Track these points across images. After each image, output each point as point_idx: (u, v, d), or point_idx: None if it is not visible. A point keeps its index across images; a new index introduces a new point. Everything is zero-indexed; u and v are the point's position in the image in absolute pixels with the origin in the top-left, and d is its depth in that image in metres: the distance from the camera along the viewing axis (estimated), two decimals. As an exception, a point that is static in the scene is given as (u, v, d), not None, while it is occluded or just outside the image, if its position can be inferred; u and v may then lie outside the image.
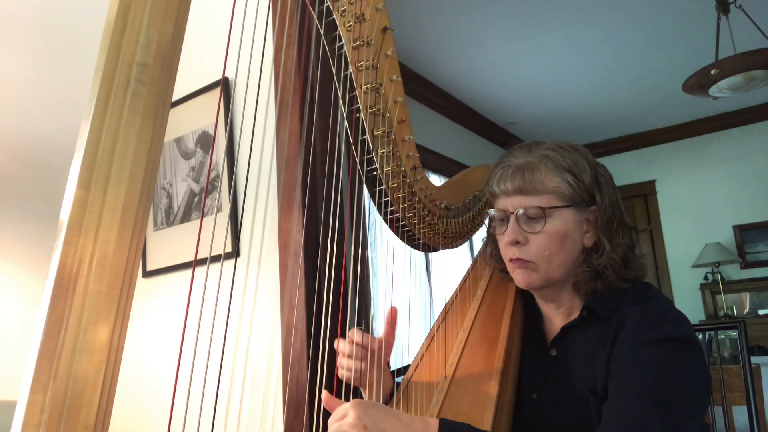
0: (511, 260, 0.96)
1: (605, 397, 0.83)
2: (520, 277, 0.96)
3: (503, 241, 0.97)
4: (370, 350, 0.95)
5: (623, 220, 0.96)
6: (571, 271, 0.95)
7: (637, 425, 0.74)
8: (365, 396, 0.96)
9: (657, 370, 0.79)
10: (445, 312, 1.14)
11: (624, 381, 0.81)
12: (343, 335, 0.97)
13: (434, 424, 0.72)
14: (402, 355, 1.13)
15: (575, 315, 0.96)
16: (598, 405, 0.84)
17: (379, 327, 2.64)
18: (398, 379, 1.04)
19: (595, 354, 0.89)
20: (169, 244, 1.81)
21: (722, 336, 3.87)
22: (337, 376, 0.97)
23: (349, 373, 0.95)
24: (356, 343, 0.95)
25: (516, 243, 0.94)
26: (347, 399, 0.74)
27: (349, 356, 0.95)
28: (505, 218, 0.97)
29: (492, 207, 1.01)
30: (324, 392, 0.76)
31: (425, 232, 1.07)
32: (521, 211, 0.93)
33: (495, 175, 0.98)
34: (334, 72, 0.83)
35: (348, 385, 0.96)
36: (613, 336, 0.87)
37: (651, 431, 0.73)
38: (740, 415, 1.54)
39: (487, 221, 1.03)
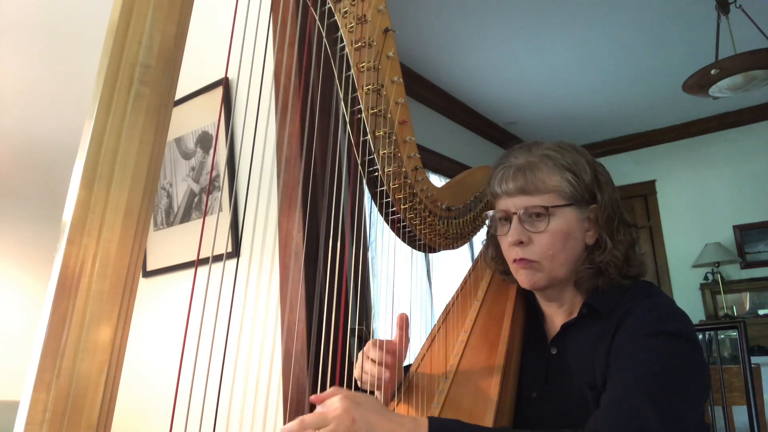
0: (514, 261, 0.96)
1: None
2: (524, 278, 0.96)
3: (506, 242, 0.97)
4: (395, 355, 0.95)
5: (623, 218, 0.97)
6: (574, 270, 0.96)
7: (632, 415, 0.74)
8: (379, 397, 0.96)
9: (655, 362, 0.79)
10: (446, 313, 1.15)
11: (621, 372, 0.81)
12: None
13: (424, 422, 0.72)
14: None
15: (576, 313, 0.97)
16: (597, 400, 0.84)
17: (379, 327, 2.64)
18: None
19: (596, 349, 0.89)
20: (169, 244, 1.81)
21: (722, 336, 3.87)
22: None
23: (373, 378, 0.94)
24: (385, 350, 0.94)
25: (519, 243, 0.94)
26: None
27: (374, 361, 0.94)
28: (507, 218, 0.97)
29: (492, 208, 1.01)
30: (311, 397, 0.75)
31: (426, 233, 1.07)
32: (524, 210, 0.93)
33: (496, 176, 0.98)
34: (335, 73, 0.83)
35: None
36: (614, 330, 0.87)
37: (646, 421, 0.72)
38: (740, 415, 1.54)
39: (488, 222, 1.02)
